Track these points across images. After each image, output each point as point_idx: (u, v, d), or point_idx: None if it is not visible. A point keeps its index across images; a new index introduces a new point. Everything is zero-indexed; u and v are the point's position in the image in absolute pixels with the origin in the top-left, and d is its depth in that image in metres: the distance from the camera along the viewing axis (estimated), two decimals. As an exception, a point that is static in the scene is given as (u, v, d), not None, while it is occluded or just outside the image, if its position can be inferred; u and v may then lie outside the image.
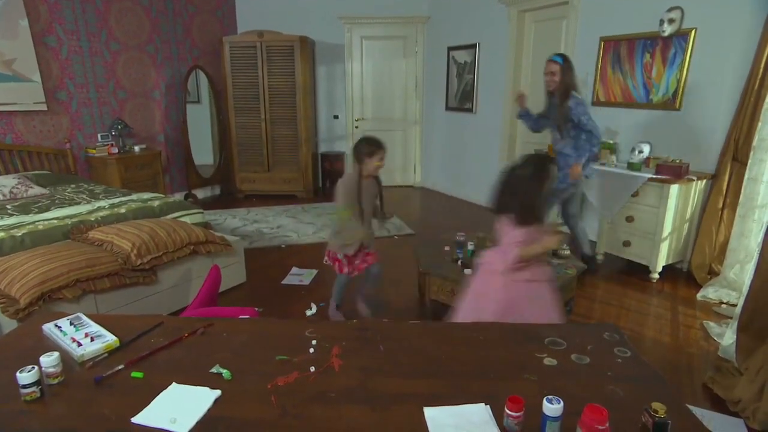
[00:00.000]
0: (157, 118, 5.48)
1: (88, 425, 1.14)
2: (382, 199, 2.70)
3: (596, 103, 4.19)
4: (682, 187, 3.31)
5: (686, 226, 3.49)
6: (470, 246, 2.91)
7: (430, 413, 1.17)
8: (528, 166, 1.93)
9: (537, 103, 4.97)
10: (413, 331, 1.62)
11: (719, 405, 2.09)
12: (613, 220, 3.63)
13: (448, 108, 6.04)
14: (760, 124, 2.92)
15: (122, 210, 3.23)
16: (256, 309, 2.23)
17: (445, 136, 6.18)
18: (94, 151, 4.66)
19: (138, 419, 1.15)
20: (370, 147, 2.50)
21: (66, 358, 1.36)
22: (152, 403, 1.20)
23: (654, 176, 3.30)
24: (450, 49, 5.80)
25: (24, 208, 3.19)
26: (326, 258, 2.75)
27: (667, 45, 3.60)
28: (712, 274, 3.35)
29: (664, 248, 3.37)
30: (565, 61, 3.16)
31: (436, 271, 2.73)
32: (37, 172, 4.13)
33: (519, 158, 2.01)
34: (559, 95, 3.19)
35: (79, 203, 3.38)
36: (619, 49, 3.95)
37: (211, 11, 5.89)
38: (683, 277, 3.51)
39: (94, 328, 1.53)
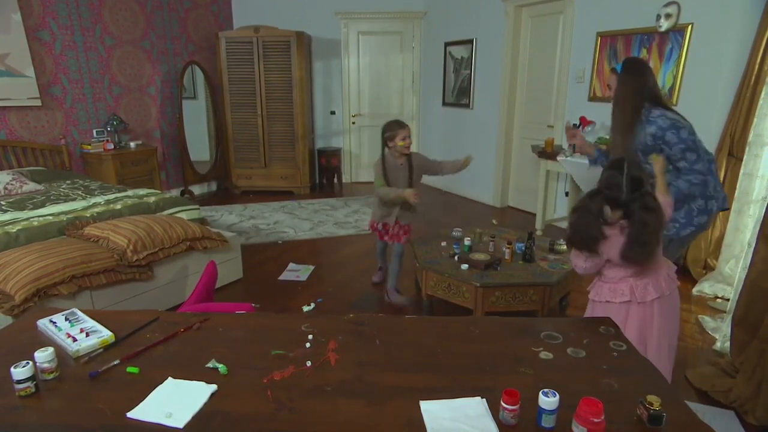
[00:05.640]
0: (153, 114, 5.45)
1: (83, 420, 1.14)
2: (411, 178, 2.92)
3: (593, 98, 4.19)
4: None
5: (682, 221, 3.50)
6: (467, 241, 2.91)
7: (427, 407, 1.17)
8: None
9: (535, 99, 4.99)
10: (410, 326, 1.62)
11: (712, 398, 2.11)
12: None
13: (445, 104, 6.03)
14: (755, 119, 2.93)
15: (118, 206, 3.22)
16: (253, 305, 2.23)
17: (442, 132, 6.18)
18: (89, 147, 4.63)
19: (133, 414, 1.15)
20: (390, 130, 2.81)
21: (61, 353, 1.35)
22: (148, 397, 1.20)
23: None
24: (447, 44, 5.78)
25: (19, 205, 3.17)
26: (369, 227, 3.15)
27: (663, 40, 3.60)
28: (708, 268, 3.36)
29: (660, 243, 3.38)
30: (624, 68, 2.17)
31: (433, 267, 2.73)
32: (31, 168, 4.10)
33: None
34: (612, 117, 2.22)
35: (74, 199, 3.36)
36: (615, 45, 3.95)
37: (206, 6, 5.86)
38: (679, 272, 3.50)
39: (90, 323, 1.52)
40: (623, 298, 1.71)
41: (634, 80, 2.14)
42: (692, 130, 2.12)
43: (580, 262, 1.74)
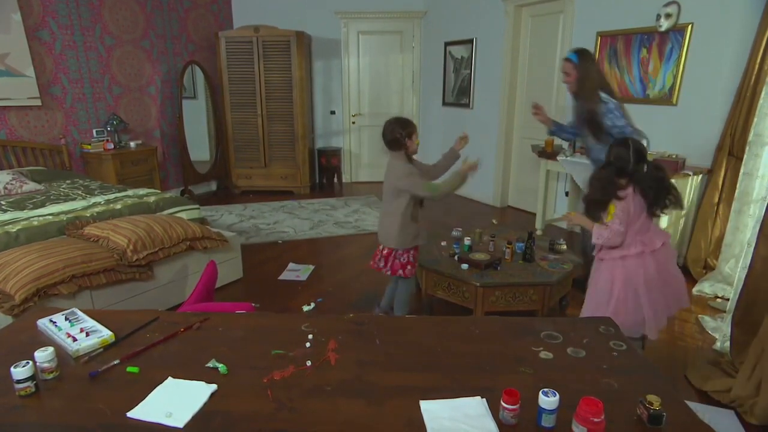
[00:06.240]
0: (153, 113, 5.45)
1: (83, 420, 1.14)
2: None
3: (593, 98, 4.19)
4: (678, 182, 3.30)
5: (682, 221, 3.50)
6: (467, 241, 2.91)
7: (427, 407, 1.18)
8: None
9: (535, 99, 4.97)
10: (410, 326, 1.62)
11: (712, 398, 2.11)
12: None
13: (445, 103, 6.03)
14: (755, 119, 2.92)
15: (118, 206, 3.22)
16: (253, 304, 2.23)
17: (442, 132, 6.17)
18: (89, 146, 4.63)
19: (133, 413, 1.15)
20: (407, 127, 2.35)
21: (61, 353, 1.36)
22: (148, 397, 1.20)
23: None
24: (447, 44, 5.78)
25: (19, 204, 3.17)
26: (386, 268, 2.49)
27: (663, 40, 3.60)
28: (708, 268, 3.36)
29: (660, 243, 3.38)
30: (580, 58, 2.72)
31: (432, 267, 2.72)
32: (31, 168, 4.10)
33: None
34: (581, 98, 2.76)
35: (74, 199, 3.36)
36: (615, 45, 3.95)
37: (206, 6, 5.85)
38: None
39: (89, 323, 1.52)
40: (637, 249, 2.03)
41: (592, 66, 2.74)
42: (619, 114, 2.64)
43: (616, 226, 2.00)
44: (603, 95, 2.69)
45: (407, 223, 2.43)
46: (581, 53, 2.75)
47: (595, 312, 2.09)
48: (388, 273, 2.53)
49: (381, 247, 2.53)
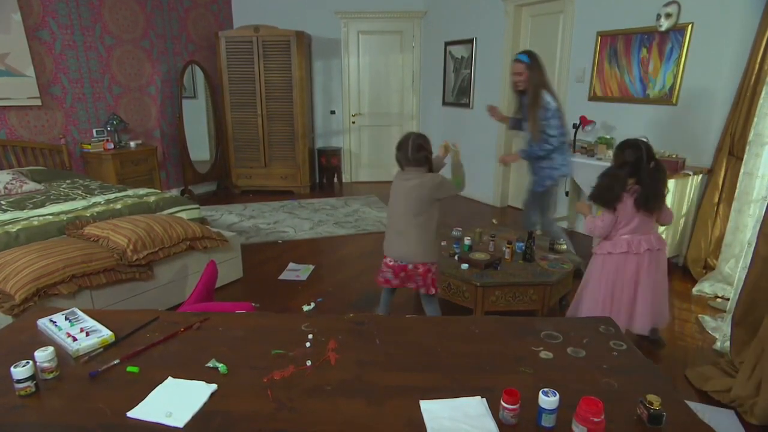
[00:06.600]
0: (153, 113, 5.45)
1: (83, 420, 1.14)
2: None
3: (593, 98, 4.19)
4: (678, 182, 3.31)
5: (682, 221, 3.50)
6: (467, 241, 2.91)
7: (427, 406, 1.18)
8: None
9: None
10: (410, 325, 1.62)
11: (712, 398, 2.11)
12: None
13: (445, 103, 6.03)
14: (756, 119, 2.92)
15: (118, 206, 3.22)
16: (253, 304, 2.23)
17: (442, 132, 6.16)
18: (89, 146, 4.63)
19: (133, 413, 1.15)
20: (429, 143, 2.30)
21: (61, 353, 1.36)
22: (148, 397, 1.20)
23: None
24: (447, 44, 5.78)
25: (19, 204, 3.17)
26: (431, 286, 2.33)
27: (663, 40, 3.60)
28: (708, 268, 3.36)
29: (660, 243, 3.38)
30: (531, 60, 2.99)
31: (432, 266, 2.72)
32: (31, 167, 4.10)
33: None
34: (529, 96, 3.03)
35: (74, 199, 3.36)
36: (615, 44, 3.95)
37: (206, 5, 5.85)
38: (679, 271, 3.52)
39: (90, 322, 1.52)
40: (621, 249, 2.22)
41: (540, 69, 3.00)
42: (557, 116, 2.98)
43: (598, 222, 2.23)
44: (547, 98, 2.95)
45: (435, 235, 2.34)
46: (531, 55, 3.03)
47: (580, 298, 2.37)
48: (422, 289, 2.38)
49: (410, 266, 2.32)
